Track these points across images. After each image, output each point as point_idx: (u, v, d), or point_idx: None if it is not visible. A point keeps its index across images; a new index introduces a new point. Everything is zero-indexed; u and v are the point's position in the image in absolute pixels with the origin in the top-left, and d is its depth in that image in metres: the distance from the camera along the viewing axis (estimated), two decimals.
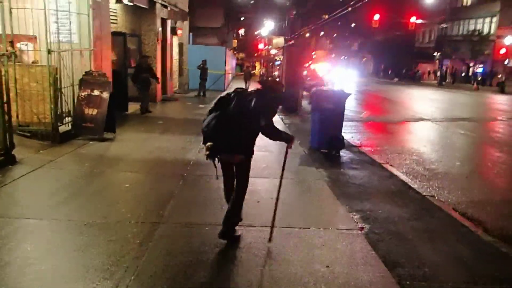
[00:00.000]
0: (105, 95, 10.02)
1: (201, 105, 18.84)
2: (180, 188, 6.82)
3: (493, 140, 13.90)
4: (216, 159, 4.73)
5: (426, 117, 18.29)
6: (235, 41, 71.02)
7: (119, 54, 15.02)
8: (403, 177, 8.22)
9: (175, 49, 24.80)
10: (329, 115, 10.00)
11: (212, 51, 28.32)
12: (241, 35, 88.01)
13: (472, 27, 51.50)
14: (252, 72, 35.34)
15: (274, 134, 4.74)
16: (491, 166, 10.48)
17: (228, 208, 4.89)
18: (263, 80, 5.56)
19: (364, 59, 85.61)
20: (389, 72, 68.01)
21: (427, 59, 63.58)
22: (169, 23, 21.17)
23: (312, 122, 10.45)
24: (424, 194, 7.16)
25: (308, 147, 10.38)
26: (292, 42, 26.15)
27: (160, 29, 18.67)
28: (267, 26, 45.56)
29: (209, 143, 4.56)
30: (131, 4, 15.64)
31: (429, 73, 64.01)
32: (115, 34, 15.07)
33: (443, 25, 52.63)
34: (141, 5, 16.35)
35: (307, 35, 69.99)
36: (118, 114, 13.63)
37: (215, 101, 4.87)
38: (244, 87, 29.40)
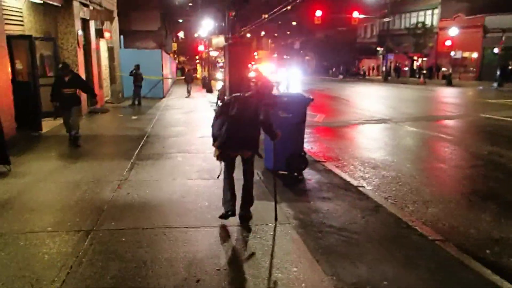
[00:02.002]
0: None
1: (134, 117, 16.38)
2: (77, 264, 4.43)
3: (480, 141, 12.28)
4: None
5: (385, 117, 16.61)
6: (175, 44, 68.71)
7: (27, 61, 12.41)
8: (393, 209, 6.22)
9: (104, 54, 22.24)
10: (287, 127, 7.94)
11: (147, 55, 25.82)
12: (181, 38, 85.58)
13: (414, 20, 51.21)
14: (194, 75, 33.26)
15: (270, 128, 5.62)
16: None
17: (243, 195, 5.71)
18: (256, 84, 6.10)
19: (307, 57, 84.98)
20: (333, 70, 67.19)
21: (370, 54, 63.26)
22: (92, 25, 18.59)
23: (265, 136, 8.34)
24: (432, 237, 5.17)
25: (262, 168, 8.29)
26: (234, 39, 24.08)
27: (80, 31, 16.10)
28: (206, 26, 43.32)
29: (217, 143, 5.40)
30: (40, 1, 13.08)
31: (373, 68, 63.64)
32: (20, 38, 12.46)
33: (386, 19, 51.94)
34: (53, 3, 13.79)
35: (248, 35, 68.50)
36: (26, 136, 11.18)
37: (218, 108, 5.67)
38: (186, 90, 27.67)
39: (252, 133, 5.44)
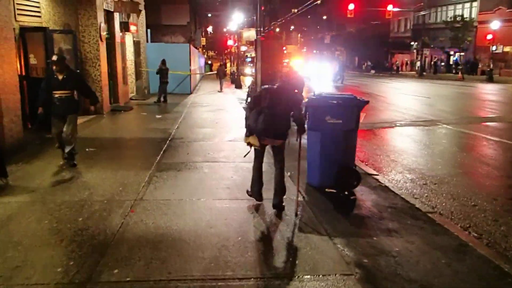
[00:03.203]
0: None
1: (158, 116, 15.15)
2: None
3: None
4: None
5: (433, 118, 15.01)
6: (204, 39, 67.97)
7: (43, 56, 11.29)
8: (483, 249, 4.73)
9: (129, 49, 21.11)
10: (336, 136, 6.56)
11: (174, 49, 24.59)
12: (210, 33, 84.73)
13: (450, 14, 48.85)
14: (225, 69, 32.29)
15: (302, 122, 5.82)
16: None
17: (275, 186, 5.89)
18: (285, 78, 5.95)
19: (337, 52, 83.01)
20: (365, 64, 65.05)
21: (403, 49, 61.00)
22: (117, 17, 17.44)
23: (309, 146, 6.96)
24: None
25: (304, 185, 6.92)
26: (265, 33, 22.70)
27: (103, 23, 14.96)
28: (236, 20, 42.00)
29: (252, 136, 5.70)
30: None
31: (406, 63, 61.34)
32: (34, 30, 11.35)
33: (422, 13, 49.74)
34: None
35: (277, 30, 66.92)
36: (38, 138, 10.07)
37: (251, 100, 6.02)
38: (219, 86, 26.51)
39: (284, 123, 5.73)
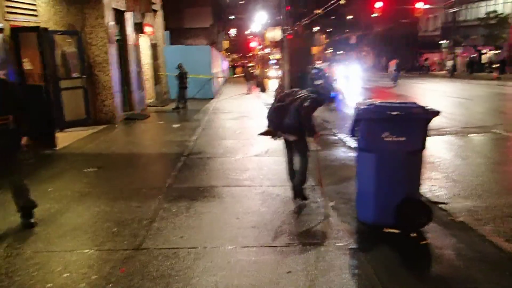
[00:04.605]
0: None
1: (176, 125, 13.66)
2: None
3: None
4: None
5: (486, 124, 13.18)
6: (227, 42, 66.80)
7: (39, 60, 9.90)
8: None
9: (146, 52, 19.75)
10: (398, 158, 4.93)
11: (195, 52, 23.12)
12: (233, 36, 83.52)
13: (483, 10, 46.40)
14: (251, 71, 31.08)
15: (307, 120, 5.74)
16: None
17: (297, 175, 6.06)
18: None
19: (363, 52, 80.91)
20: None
21: (433, 48, 58.60)
22: (129, 17, 16.06)
23: (360, 171, 5.32)
24: None
25: (354, 221, 5.30)
26: (293, 31, 21.09)
27: (112, 23, 13.56)
28: (259, 20, 40.47)
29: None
30: None
31: (436, 63, 58.86)
32: (27, 30, 9.97)
33: (453, 10, 47.42)
34: None
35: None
36: (34, 154, 8.69)
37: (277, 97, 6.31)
38: (246, 89, 25.10)
39: (290, 121, 5.80)
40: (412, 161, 4.97)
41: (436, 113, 4.92)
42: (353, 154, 9.11)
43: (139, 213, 5.54)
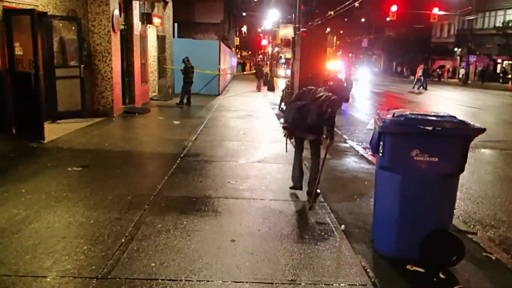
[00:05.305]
0: None
1: (176, 121, 12.85)
2: None
3: None
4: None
5: (507, 139, 12.31)
6: (237, 38, 66.09)
7: (32, 44, 9.07)
8: None
9: (153, 44, 18.94)
10: (429, 182, 4.10)
11: (203, 46, 22.29)
12: (244, 33, 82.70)
13: (500, 19, 45.32)
14: (263, 69, 30.59)
15: (333, 121, 5.92)
16: None
17: (310, 174, 6.15)
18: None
19: (374, 56, 79.89)
20: (406, 69, 61.73)
21: (446, 55, 57.57)
22: (136, 6, 15.24)
23: (379, 194, 4.49)
24: None
25: (370, 252, 4.48)
26: (307, 29, 20.24)
27: (116, 11, 12.76)
28: (271, 18, 39.56)
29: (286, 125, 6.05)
30: None
31: (448, 70, 57.75)
32: (20, 13, 9.18)
33: (470, 17, 46.38)
34: None
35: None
36: (20, 148, 7.98)
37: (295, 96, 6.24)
38: (256, 87, 24.35)
39: (311, 120, 5.70)
40: (446, 186, 4.15)
41: (481, 130, 4.09)
42: (366, 165, 8.31)
43: (117, 228, 4.73)
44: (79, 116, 11.66)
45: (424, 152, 4.05)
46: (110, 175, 6.83)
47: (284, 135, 6.34)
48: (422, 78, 32.26)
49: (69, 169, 7.00)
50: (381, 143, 4.28)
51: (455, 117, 4.23)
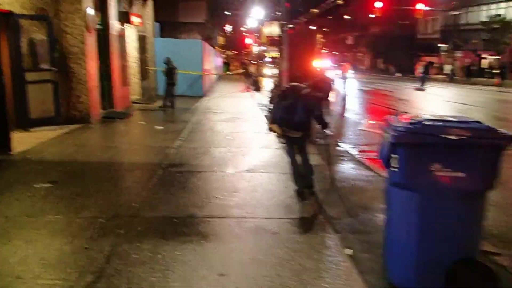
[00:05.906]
0: None
1: (159, 126, 12.09)
2: None
3: None
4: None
5: None
6: (222, 38, 65.32)
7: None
8: None
9: (133, 44, 18.15)
10: (452, 201, 3.44)
11: (185, 46, 21.61)
12: (229, 32, 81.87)
13: (484, 14, 45.11)
14: (249, 68, 30.21)
15: (322, 115, 6.01)
16: None
17: (305, 168, 6.11)
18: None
19: (360, 53, 79.55)
20: (393, 67, 61.35)
21: (431, 52, 57.26)
22: (113, 4, 14.43)
23: (393, 215, 3.81)
24: None
25: (383, 283, 3.79)
26: (295, 26, 19.59)
27: (90, 9, 11.95)
28: (255, 17, 38.90)
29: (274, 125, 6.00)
30: None
31: (433, 67, 57.40)
32: None
33: (455, 12, 46.09)
34: None
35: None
36: None
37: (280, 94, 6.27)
38: (244, 87, 23.62)
39: (299, 117, 5.80)
40: (473, 205, 3.48)
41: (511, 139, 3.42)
42: (364, 171, 7.65)
43: (84, 261, 3.99)
44: (53, 123, 10.87)
45: (447, 166, 3.38)
46: (81, 192, 6.06)
47: (270, 130, 6.22)
48: (423, 74, 31.50)
49: (35, 186, 6.22)
50: (393, 155, 3.59)
51: (480, 122, 3.56)
